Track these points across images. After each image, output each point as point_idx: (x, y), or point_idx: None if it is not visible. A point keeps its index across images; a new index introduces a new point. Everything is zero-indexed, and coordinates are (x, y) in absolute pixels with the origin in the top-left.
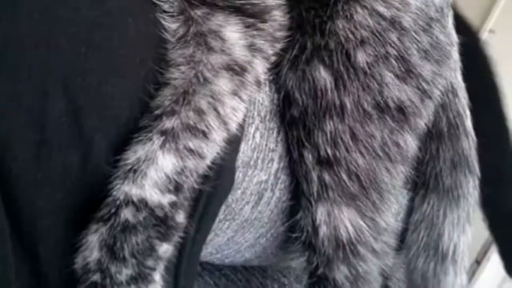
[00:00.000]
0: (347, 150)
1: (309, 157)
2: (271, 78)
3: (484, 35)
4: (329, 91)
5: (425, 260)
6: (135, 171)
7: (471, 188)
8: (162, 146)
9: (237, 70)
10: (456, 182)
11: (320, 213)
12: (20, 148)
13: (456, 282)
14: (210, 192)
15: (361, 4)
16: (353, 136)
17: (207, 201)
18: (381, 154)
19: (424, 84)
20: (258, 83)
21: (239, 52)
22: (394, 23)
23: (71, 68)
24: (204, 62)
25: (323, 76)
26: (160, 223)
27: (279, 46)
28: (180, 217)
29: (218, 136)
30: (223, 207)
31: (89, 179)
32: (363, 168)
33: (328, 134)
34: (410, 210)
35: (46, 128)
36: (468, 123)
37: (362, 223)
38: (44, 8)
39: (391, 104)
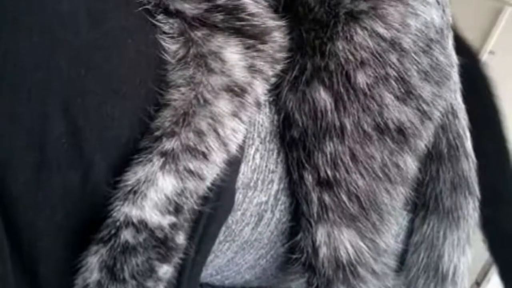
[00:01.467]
0: (347, 171)
1: (309, 178)
2: (271, 99)
3: (484, 57)
4: (329, 112)
5: (425, 282)
6: (135, 192)
7: (471, 210)
8: (162, 167)
9: (237, 91)
10: (456, 204)
11: (320, 234)
12: (20, 169)
13: None
14: (210, 214)
15: (361, 25)
16: (353, 157)
17: (207, 223)
18: (381, 175)
19: (424, 105)
20: (258, 104)
21: (239, 74)
22: (394, 44)
23: (71, 90)
24: (204, 84)
25: (323, 97)
26: (160, 244)
27: (279, 67)
28: (180, 239)
29: (218, 158)
30: (223, 228)
31: (89, 200)
32: (363, 189)
33: (328, 155)
34: (410, 232)
35: (46, 149)
36: (468, 145)
37: (362, 244)
38: (44, 29)
39: (391, 126)
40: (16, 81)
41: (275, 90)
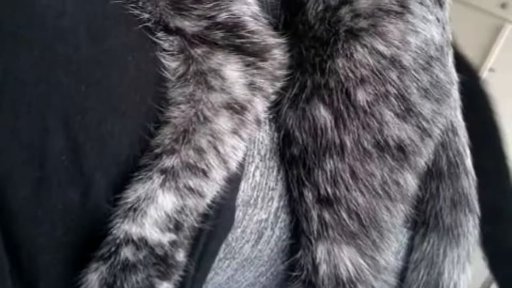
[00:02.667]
0: (347, 189)
1: (309, 195)
2: (271, 116)
3: (484, 74)
4: (329, 130)
5: None
6: (135, 210)
7: (471, 227)
8: (162, 184)
9: (237, 108)
10: (456, 221)
11: (320, 251)
12: (20, 184)
13: None
14: (210, 231)
15: (361, 42)
16: (353, 174)
17: (207, 240)
18: (381, 192)
19: (424, 122)
20: (258, 121)
21: (239, 91)
22: (394, 61)
23: (71, 106)
24: (204, 101)
25: (323, 114)
26: (160, 261)
27: (279, 84)
28: (180, 256)
29: (218, 175)
30: (223, 245)
31: (89, 217)
32: (363, 206)
33: (328, 173)
34: (410, 249)
35: (46, 165)
36: (468, 162)
37: (362, 261)
38: (44, 44)
39: (391, 143)
40: (17, 95)
41: (275, 108)
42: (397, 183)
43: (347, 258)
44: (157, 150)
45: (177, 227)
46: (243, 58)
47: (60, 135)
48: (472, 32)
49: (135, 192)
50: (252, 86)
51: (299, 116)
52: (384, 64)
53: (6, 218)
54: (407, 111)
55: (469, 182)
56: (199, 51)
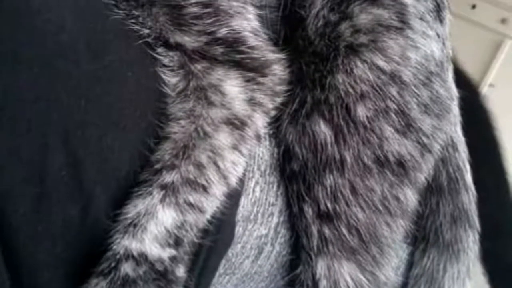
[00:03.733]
0: (347, 204)
1: (309, 211)
2: (271, 132)
3: (484, 89)
4: (329, 145)
5: None
6: (135, 225)
7: (471, 242)
8: (162, 200)
9: (237, 124)
10: (456, 236)
11: (320, 267)
12: (20, 200)
13: None
14: (210, 246)
15: (361, 58)
16: (353, 190)
17: (207, 255)
18: (381, 208)
19: (424, 138)
20: (258, 137)
21: (239, 106)
22: (394, 77)
23: (71, 121)
24: (204, 116)
25: (323, 130)
26: (160, 277)
27: (279, 100)
28: (180, 271)
29: (218, 190)
30: (223, 261)
31: (89, 233)
32: (363, 222)
33: (328, 188)
34: (410, 264)
35: (46, 181)
36: (468, 177)
37: (362, 277)
38: (44, 61)
39: (391, 158)
40: (16, 112)
41: (275, 123)
42: (397, 199)
43: (347, 274)
44: (157, 166)
45: (177, 242)
46: (243, 74)
47: (60, 151)
48: (472, 48)
49: (135, 208)
50: (252, 102)
51: (299, 131)
52: (384, 80)
53: (6, 235)
54: (407, 127)
55: (469, 198)
56: (199, 66)
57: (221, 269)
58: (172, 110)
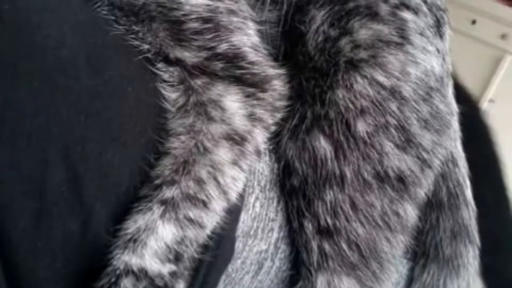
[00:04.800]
0: (347, 220)
1: (309, 226)
2: (271, 147)
3: (484, 105)
4: (329, 161)
5: None
6: (135, 241)
7: (471, 258)
8: (162, 215)
9: (237, 139)
10: (456, 252)
11: (320, 282)
12: (20, 216)
13: None
14: (210, 262)
15: (361, 73)
16: (353, 205)
17: (207, 271)
18: (381, 223)
19: (424, 153)
20: (258, 152)
21: (239, 122)
22: (394, 92)
23: (71, 137)
24: (204, 132)
25: (323, 145)
26: None
27: (279, 115)
28: (180, 287)
29: (218, 206)
30: (223, 276)
31: (89, 248)
32: (363, 237)
33: (328, 204)
34: (410, 280)
35: (46, 196)
36: (468, 193)
37: None
38: (44, 75)
39: (391, 174)
40: (16, 127)
41: (275, 139)
42: (397, 214)
43: None
44: (157, 181)
45: (177, 258)
46: (243, 89)
47: (60, 166)
48: (472, 63)
49: (135, 223)
50: (252, 117)
51: (299, 147)
52: (384, 95)
53: (6, 250)
54: (407, 142)
55: (469, 213)
56: (199, 82)
57: (221, 285)
58: (172, 125)
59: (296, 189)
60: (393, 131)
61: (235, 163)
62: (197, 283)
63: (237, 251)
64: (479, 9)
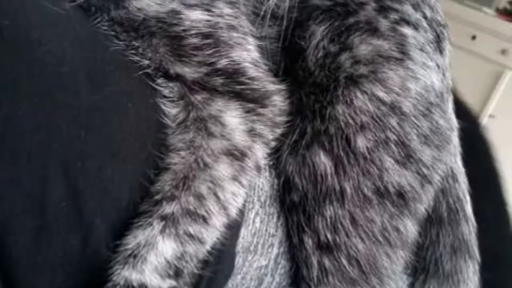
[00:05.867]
0: (347, 235)
1: (309, 242)
2: (271, 163)
3: (484, 120)
4: (329, 176)
5: None
6: (135, 256)
7: (471, 273)
8: (162, 231)
9: (237, 155)
10: (456, 267)
11: None
12: (20, 232)
13: None
14: (210, 277)
15: (361, 89)
16: (353, 221)
17: (207, 286)
18: (381, 239)
19: (424, 169)
20: (258, 168)
21: (239, 137)
22: (394, 108)
23: (71, 152)
24: (204, 147)
25: (323, 161)
26: None
27: (279, 131)
28: None
29: (218, 221)
30: None
31: (89, 264)
32: (363, 253)
33: (328, 219)
34: None
35: (46, 212)
36: (468, 208)
37: None
38: (44, 91)
39: (391, 189)
40: (16, 144)
41: (275, 154)
42: (397, 230)
43: None
44: (157, 197)
45: (177, 273)
46: (243, 105)
47: (60, 182)
48: (472, 78)
49: (135, 239)
50: (252, 133)
51: (299, 162)
52: (384, 111)
53: (7, 266)
54: (407, 158)
55: (469, 229)
56: (199, 97)
57: None
58: (172, 141)
59: (296, 205)
60: (393, 146)
61: (235, 178)
62: None
63: (237, 266)
64: (479, 24)
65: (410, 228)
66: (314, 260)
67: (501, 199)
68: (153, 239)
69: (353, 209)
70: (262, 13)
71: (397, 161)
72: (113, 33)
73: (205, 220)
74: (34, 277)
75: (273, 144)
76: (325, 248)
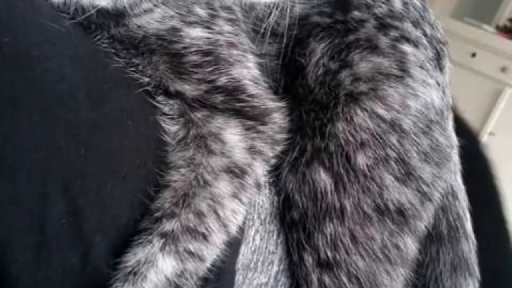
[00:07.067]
0: (347, 253)
1: (309, 259)
2: (271, 180)
3: (484, 138)
4: (329, 194)
5: None
6: (135, 274)
7: None
8: (162, 248)
9: (237, 172)
10: (456, 285)
11: None
12: (20, 249)
13: None
14: None
15: (361, 106)
16: (353, 238)
17: None
18: (381, 256)
19: (424, 186)
20: (258, 185)
21: (239, 155)
22: (394, 125)
23: (71, 170)
24: (204, 165)
25: (323, 178)
26: None
27: (279, 148)
28: None
29: (218, 239)
30: None
31: (89, 281)
32: (363, 270)
33: (328, 237)
34: None
35: (46, 230)
36: (468, 226)
37: None
38: (44, 109)
39: (391, 207)
40: (16, 161)
41: (275, 171)
42: (397, 247)
43: None
44: (157, 214)
45: None
46: (243, 122)
47: (60, 199)
48: (472, 96)
49: (135, 256)
50: (252, 150)
51: (299, 180)
52: (384, 128)
53: (7, 283)
54: (407, 175)
55: (469, 246)
56: (199, 115)
57: None
58: (172, 158)
59: (296, 222)
60: (393, 164)
61: (235, 196)
62: None
63: (237, 284)
64: (479, 42)
65: (410, 246)
66: (314, 278)
67: (501, 216)
68: (153, 257)
69: (353, 227)
70: (262, 30)
71: (397, 179)
72: (113, 50)
73: (205, 237)
74: None
75: (273, 161)
76: (325, 265)
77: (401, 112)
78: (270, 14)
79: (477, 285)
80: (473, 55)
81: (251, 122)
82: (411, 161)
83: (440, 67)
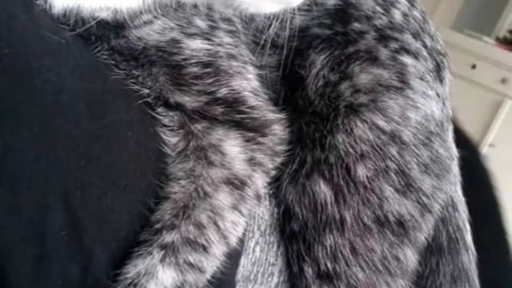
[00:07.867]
0: (347, 264)
1: (309, 271)
2: (271, 192)
3: (484, 149)
4: (329, 205)
5: None
6: (135, 285)
7: None
8: (162, 260)
9: (237, 184)
10: None
11: None
12: (20, 260)
13: None
14: None
15: (361, 118)
16: (353, 250)
17: None
18: (381, 268)
19: (424, 198)
20: (258, 197)
21: (239, 166)
22: (394, 137)
23: (71, 181)
24: (204, 176)
25: (323, 190)
26: None
27: (279, 160)
28: None
29: (218, 250)
30: None
31: None
32: (363, 282)
33: (328, 248)
34: None
35: (46, 241)
36: (468, 237)
37: None
38: (44, 120)
39: (391, 218)
40: (16, 172)
41: (275, 183)
42: (397, 259)
43: None
44: (157, 226)
45: None
46: (243, 134)
47: (60, 211)
48: (472, 108)
49: (135, 268)
50: (252, 162)
51: (299, 191)
52: (384, 140)
53: None
54: (407, 187)
55: (469, 258)
56: (199, 126)
57: None
58: (172, 170)
59: (296, 234)
60: (393, 175)
61: (235, 207)
62: None
63: None
64: (479, 53)
65: (410, 257)
66: None
67: (501, 228)
68: (153, 268)
69: (353, 238)
70: (262, 42)
71: (397, 190)
72: (113, 62)
73: (205, 249)
74: None
75: (273, 173)
76: (325, 277)
77: (401, 123)
78: (270, 25)
79: None
80: (473, 66)
81: (251, 134)
82: (411, 173)
83: (440, 79)
